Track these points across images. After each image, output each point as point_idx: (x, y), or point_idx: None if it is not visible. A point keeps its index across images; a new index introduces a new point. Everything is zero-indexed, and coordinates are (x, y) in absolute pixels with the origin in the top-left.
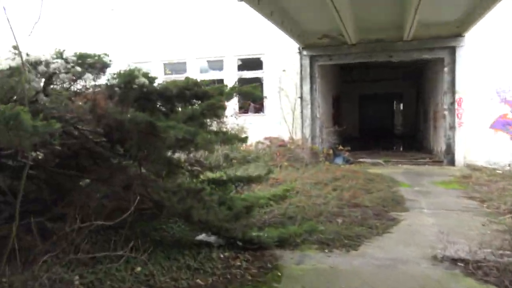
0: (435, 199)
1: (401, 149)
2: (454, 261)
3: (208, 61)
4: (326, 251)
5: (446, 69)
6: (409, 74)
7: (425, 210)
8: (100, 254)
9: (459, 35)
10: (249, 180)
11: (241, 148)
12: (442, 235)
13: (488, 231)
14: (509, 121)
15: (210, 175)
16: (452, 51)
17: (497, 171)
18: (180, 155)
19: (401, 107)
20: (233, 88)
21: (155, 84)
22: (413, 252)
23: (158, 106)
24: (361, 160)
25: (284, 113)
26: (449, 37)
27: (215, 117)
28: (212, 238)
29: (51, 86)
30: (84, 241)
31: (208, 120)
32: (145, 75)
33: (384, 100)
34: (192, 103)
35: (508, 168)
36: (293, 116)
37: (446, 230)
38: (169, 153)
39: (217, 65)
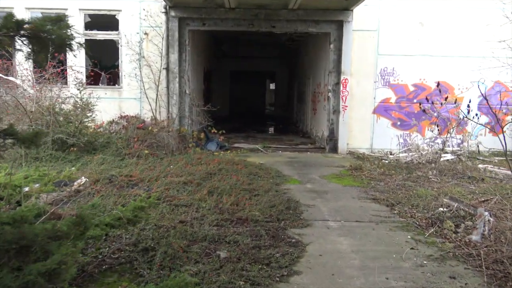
0: (336, 203)
1: (275, 131)
2: None
3: (43, 14)
4: None
5: (331, 46)
6: (283, 53)
7: (330, 223)
8: None
9: (347, 8)
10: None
11: (88, 130)
12: (370, 273)
13: (424, 259)
14: (391, 106)
15: None
16: (339, 26)
17: (384, 160)
18: None
19: (274, 87)
20: None
21: None
22: None
23: None
24: (237, 145)
25: (146, 87)
26: (337, 9)
27: None
28: None
29: None
30: None
31: None
32: None
33: (256, 79)
34: None
35: (392, 156)
36: (157, 91)
37: (371, 262)
38: None
39: None
